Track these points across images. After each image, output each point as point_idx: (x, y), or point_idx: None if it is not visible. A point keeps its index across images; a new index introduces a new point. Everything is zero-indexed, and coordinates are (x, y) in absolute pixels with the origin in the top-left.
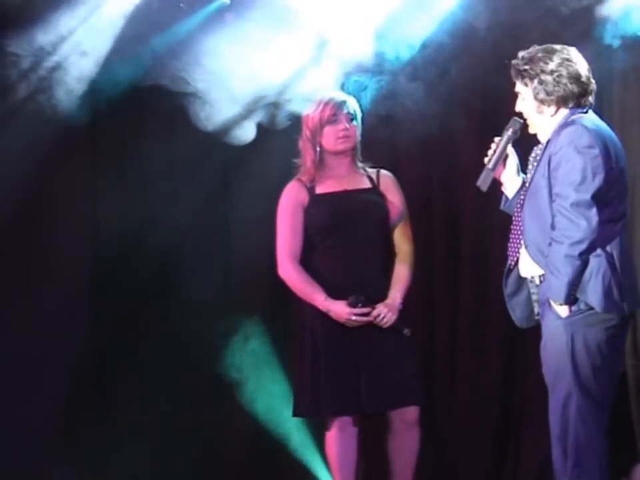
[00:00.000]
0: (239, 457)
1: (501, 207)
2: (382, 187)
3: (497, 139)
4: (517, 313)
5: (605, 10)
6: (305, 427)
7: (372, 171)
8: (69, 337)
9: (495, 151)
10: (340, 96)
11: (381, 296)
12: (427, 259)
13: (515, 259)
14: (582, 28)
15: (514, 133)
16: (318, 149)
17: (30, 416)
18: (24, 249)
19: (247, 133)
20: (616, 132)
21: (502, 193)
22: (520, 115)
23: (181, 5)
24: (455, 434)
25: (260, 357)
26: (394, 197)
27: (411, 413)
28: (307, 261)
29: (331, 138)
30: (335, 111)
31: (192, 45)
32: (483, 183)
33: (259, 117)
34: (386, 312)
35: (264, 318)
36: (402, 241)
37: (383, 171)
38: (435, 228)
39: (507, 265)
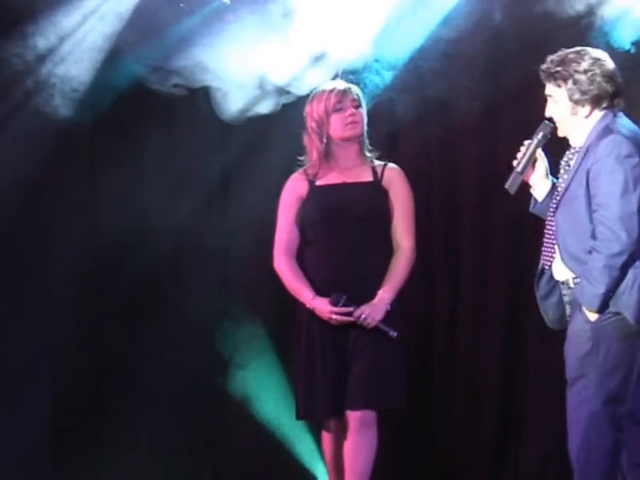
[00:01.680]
0: (239, 457)
1: (530, 209)
2: (385, 181)
3: (526, 142)
4: (549, 315)
5: (608, 10)
6: (306, 427)
7: (379, 164)
8: (68, 339)
9: (524, 154)
10: (342, 84)
11: (372, 293)
12: (427, 257)
13: (550, 262)
14: (583, 28)
15: (544, 136)
16: (325, 140)
17: (28, 420)
18: (23, 249)
19: (267, 106)
20: None
21: (531, 195)
22: (549, 119)
23: (181, 4)
24: (455, 434)
25: (260, 356)
26: (397, 192)
27: (370, 413)
28: (300, 254)
29: (338, 125)
30: (340, 98)
31: (193, 43)
32: (511, 186)
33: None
34: (368, 312)
35: (265, 316)
36: (402, 237)
37: (390, 165)
38: (434, 226)
39: (540, 268)
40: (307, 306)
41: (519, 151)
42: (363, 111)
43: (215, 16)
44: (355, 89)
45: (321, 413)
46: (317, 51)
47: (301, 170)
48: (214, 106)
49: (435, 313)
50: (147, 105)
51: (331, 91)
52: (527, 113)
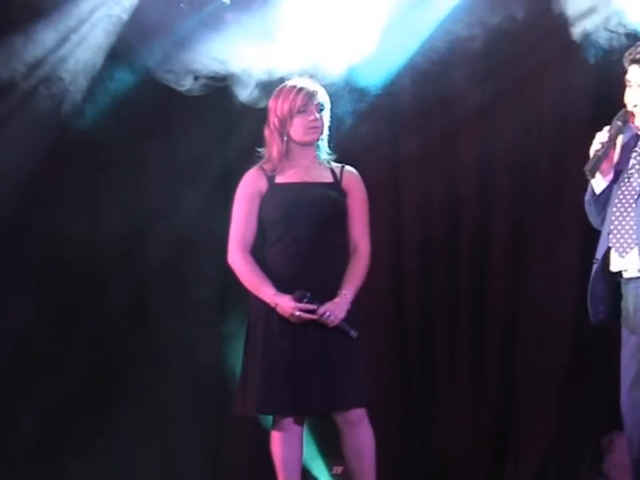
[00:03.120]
0: (239, 457)
1: (588, 197)
2: (344, 183)
3: (606, 128)
4: (597, 308)
5: (605, 10)
6: (305, 427)
7: (336, 166)
8: (66, 338)
9: (608, 138)
10: (311, 85)
11: (331, 294)
12: (427, 256)
13: (626, 252)
14: (581, 30)
15: (624, 123)
16: (285, 138)
17: (27, 421)
18: (23, 249)
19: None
20: None
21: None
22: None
23: (181, 4)
24: (454, 433)
25: None
26: (355, 194)
27: (352, 413)
28: (258, 252)
29: (300, 128)
30: (306, 100)
31: (193, 42)
32: (592, 169)
33: None
34: (332, 310)
35: None
36: (360, 240)
37: (347, 167)
38: (433, 226)
39: (600, 260)
40: (268, 302)
41: (595, 136)
42: (326, 114)
43: (214, 16)
44: (322, 92)
45: (278, 410)
46: (317, 47)
47: (256, 166)
48: (217, 103)
49: (435, 312)
50: (147, 104)
51: (299, 91)
52: (528, 112)
